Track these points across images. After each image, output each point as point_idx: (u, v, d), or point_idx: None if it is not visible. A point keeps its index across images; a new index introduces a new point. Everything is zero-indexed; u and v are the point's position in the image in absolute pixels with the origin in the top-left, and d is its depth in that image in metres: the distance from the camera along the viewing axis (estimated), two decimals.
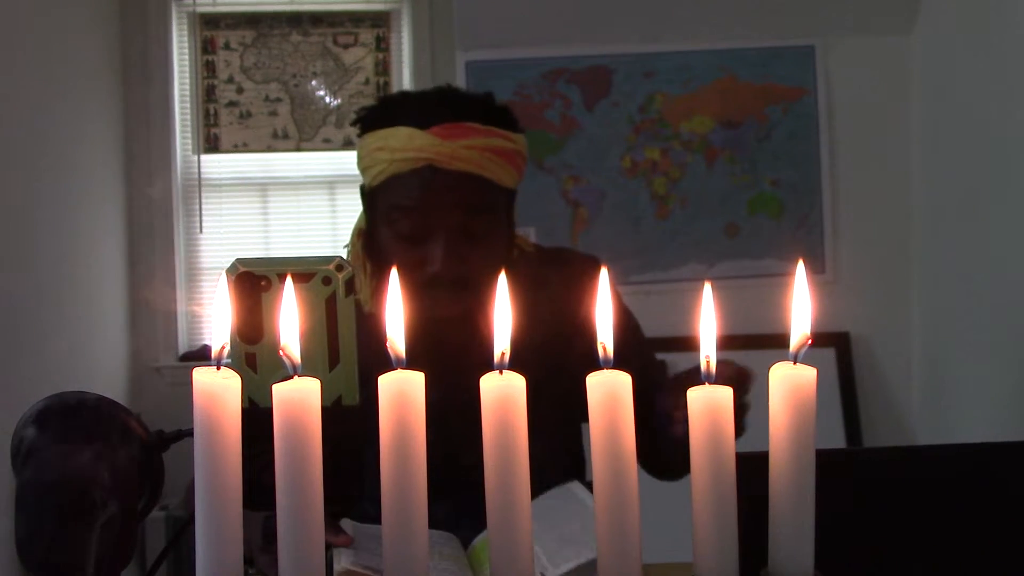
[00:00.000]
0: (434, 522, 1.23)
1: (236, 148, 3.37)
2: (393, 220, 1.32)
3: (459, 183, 1.29)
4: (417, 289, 1.30)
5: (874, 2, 3.07)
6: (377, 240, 1.36)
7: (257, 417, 0.68)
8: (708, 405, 0.62)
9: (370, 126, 1.35)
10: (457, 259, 1.30)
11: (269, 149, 3.38)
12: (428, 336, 1.33)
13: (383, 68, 3.39)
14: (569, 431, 1.47)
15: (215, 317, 0.62)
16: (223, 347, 0.61)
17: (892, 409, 3.14)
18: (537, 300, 1.38)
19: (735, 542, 0.62)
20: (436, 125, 1.29)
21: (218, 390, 0.59)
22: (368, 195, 1.37)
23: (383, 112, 1.36)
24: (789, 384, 0.62)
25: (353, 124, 1.41)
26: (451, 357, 1.30)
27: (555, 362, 1.36)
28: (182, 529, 0.76)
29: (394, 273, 0.64)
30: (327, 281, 0.75)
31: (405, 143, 1.28)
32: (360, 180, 1.39)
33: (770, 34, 3.10)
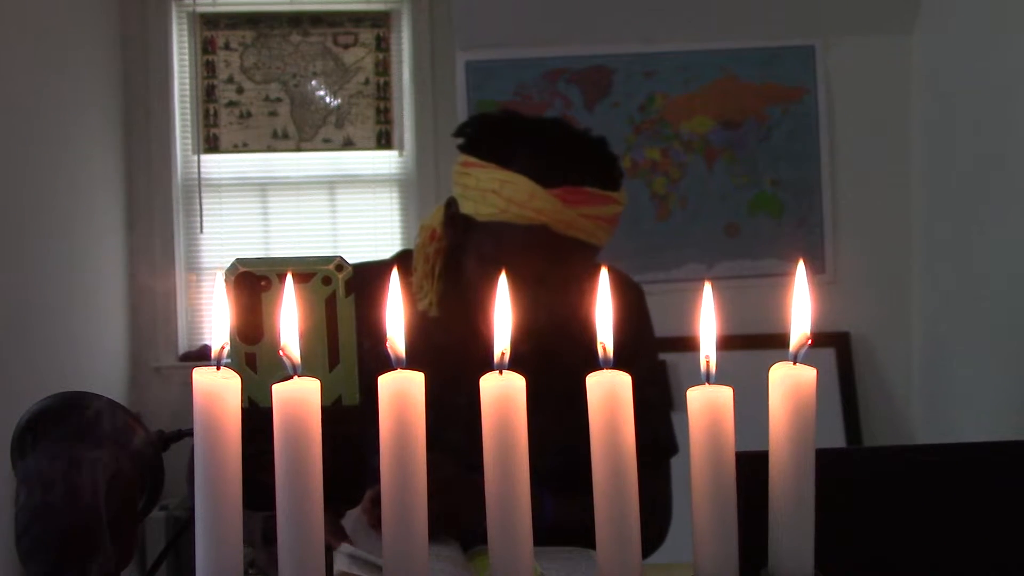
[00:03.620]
0: None
1: (236, 148, 3.37)
2: (489, 260, 1.31)
3: (569, 249, 1.28)
4: (488, 327, 1.30)
5: (874, 2, 3.07)
6: (460, 259, 1.36)
7: (257, 417, 0.68)
8: (708, 405, 0.62)
9: (484, 154, 1.31)
10: (546, 311, 1.30)
11: (269, 149, 3.38)
12: (454, 339, 1.33)
13: (383, 68, 3.39)
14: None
15: (215, 317, 0.62)
16: (223, 347, 0.61)
17: (892, 409, 3.14)
18: (581, 315, 1.39)
19: (735, 542, 0.62)
20: (560, 187, 1.25)
21: (218, 390, 0.59)
22: (463, 219, 1.34)
23: (501, 145, 1.31)
24: (789, 384, 0.62)
25: (457, 135, 1.37)
26: (479, 359, 1.30)
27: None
28: (182, 529, 0.76)
29: (394, 274, 0.64)
30: (327, 281, 0.75)
31: (524, 200, 1.25)
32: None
33: (770, 34, 3.10)
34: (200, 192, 3.32)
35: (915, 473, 0.90)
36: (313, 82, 3.38)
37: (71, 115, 2.91)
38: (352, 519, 1.16)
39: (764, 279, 3.06)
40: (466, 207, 1.32)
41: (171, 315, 3.29)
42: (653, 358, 1.53)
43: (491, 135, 1.34)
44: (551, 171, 1.26)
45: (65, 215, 2.84)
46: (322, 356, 0.74)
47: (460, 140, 1.37)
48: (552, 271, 1.30)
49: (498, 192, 1.27)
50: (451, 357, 1.32)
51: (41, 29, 2.72)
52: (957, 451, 0.95)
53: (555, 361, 1.37)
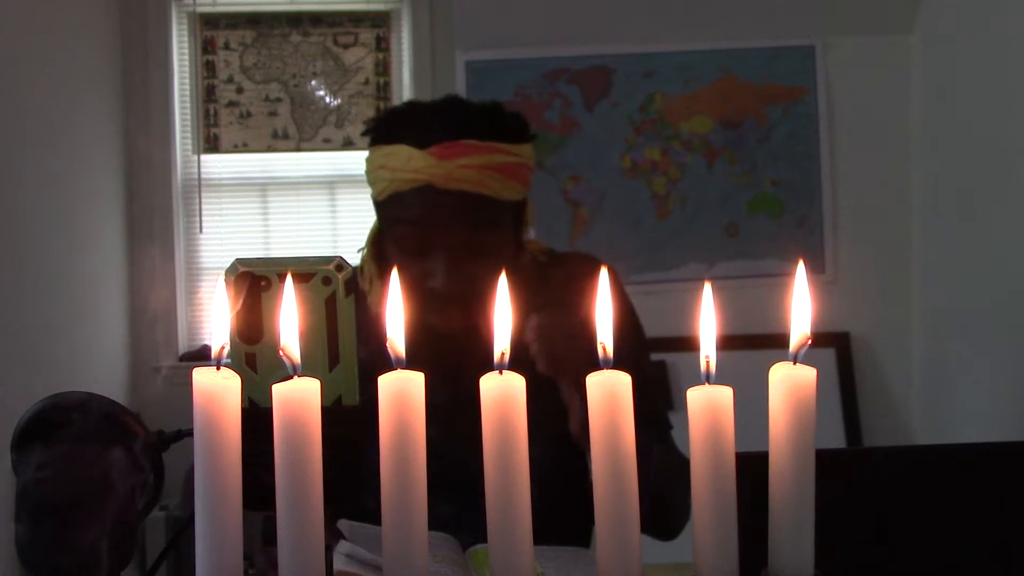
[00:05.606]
0: (437, 523, 1.23)
1: (236, 148, 3.36)
2: (397, 235, 1.34)
3: (458, 202, 1.30)
4: (419, 302, 1.30)
5: (874, 2, 3.07)
6: (384, 249, 1.39)
7: (257, 417, 0.68)
8: (708, 405, 0.62)
9: (376, 140, 1.37)
10: (458, 275, 1.31)
11: (269, 149, 3.38)
12: (432, 338, 1.33)
13: (383, 68, 3.39)
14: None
15: (215, 317, 0.62)
16: (223, 347, 0.61)
17: (892, 409, 3.13)
18: (537, 301, 1.38)
19: (735, 542, 0.62)
20: (434, 144, 1.29)
21: (218, 390, 0.59)
22: (376, 206, 1.39)
23: (387, 127, 1.36)
24: (789, 384, 0.62)
25: (363, 135, 1.43)
26: (456, 358, 1.30)
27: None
28: (182, 529, 0.76)
29: (395, 274, 0.64)
30: (327, 281, 0.75)
31: (403, 163, 1.30)
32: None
33: (770, 34, 3.10)
34: (200, 192, 3.32)
35: (915, 473, 0.90)
36: (313, 82, 3.38)
37: (71, 115, 2.90)
38: (347, 524, 1.16)
39: (764, 279, 3.06)
40: (372, 193, 1.37)
41: (171, 315, 3.28)
42: (636, 330, 1.50)
43: (382, 122, 1.39)
44: (426, 133, 1.30)
45: (65, 215, 2.84)
46: (322, 356, 0.74)
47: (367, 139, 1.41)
48: (451, 227, 1.30)
49: (384, 166, 1.32)
50: (421, 356, 1.31)
51: (41, 29, 2.72)
52: (957, 451, 0.95)
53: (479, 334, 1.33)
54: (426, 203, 1.30)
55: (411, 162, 1.29)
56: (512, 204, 1.36)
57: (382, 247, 1.40)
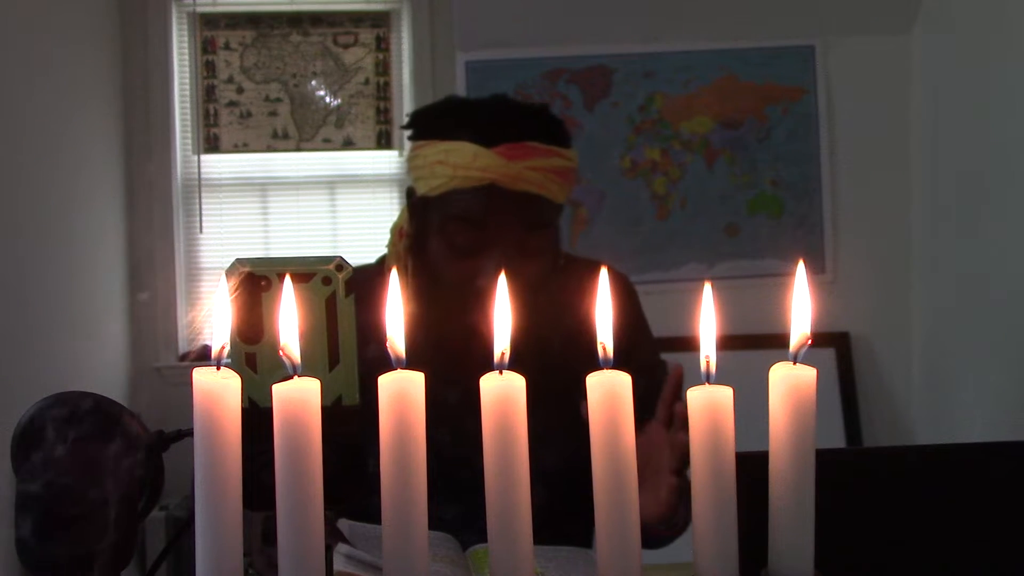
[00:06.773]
0: (444, 524, 1.23)
1: (236, 148, 3.36)
2: (449, 232, 1.32)
3: (520, 203, 1.29)
4: (466, 301, 1.30)
5: (874, 2, 3.07)
6: (425, 246, 1.36)
7: (257, 417, 0.68)
8: (708, 405, 0.62)
9: (428, 134, 1.35)
10: (511, 274, 1.29)
11: (269, 149, 3.38)
12: (452, 338, 1.33)
13: (383, 68, 3.39)
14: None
15: (215, 317, 0.62)
16: (223, 347, 0.61)
17: (892, 409, 3.13)
18: (541, 304, 1.38)
19: (735, 542, 0.62)
20: (501, 144, 1.28)
21: (218, 390, 0.59)
22: (420, 201, 1.36)
23: (444, 122, 1.35)
24: (789, 384, 0.62)
25: (406, 127, 1.41)
26: (474, 359, 1.30)
27: (572, 369, 1.36)
28: (182, 529, 0.75)
29: (394, 273, 0.64)
30: (327, 281, 0.75)
31: (469, 161, 1.28)
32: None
33: (770, 34, 3.10)
34: (200, 192, 3.32)
35: (915, 473, 0.90)
36: (313, 82, 3.38)
37: (71, 115, 2.90)
38: (347, 524, 1.16)
39: (764, 279, 3.06)
40: (420, 188, 1.35)
41: (171, 315, 3.29)
42: (653, 345, 1.51)
43: (434, 117, 1.38)
44: (491, 131, 1.29)
45: (65, 215, 2.84)
46: (322, 356, 0.74)
47: (410, 132, 1.40)
48: (509, 227, 1.30)
49: (444, 161, 1.30)
50: (437, 354, 1.32)
51: (41, 29, 2.72)
52: (957, 451, 0.95)
53: (536, 340, 1.34)
54: (489, 202, 1.29)
55: (477, 160, 1.28)
56: (559, 206, 1.36)
57: (417, 246, 1.37)
